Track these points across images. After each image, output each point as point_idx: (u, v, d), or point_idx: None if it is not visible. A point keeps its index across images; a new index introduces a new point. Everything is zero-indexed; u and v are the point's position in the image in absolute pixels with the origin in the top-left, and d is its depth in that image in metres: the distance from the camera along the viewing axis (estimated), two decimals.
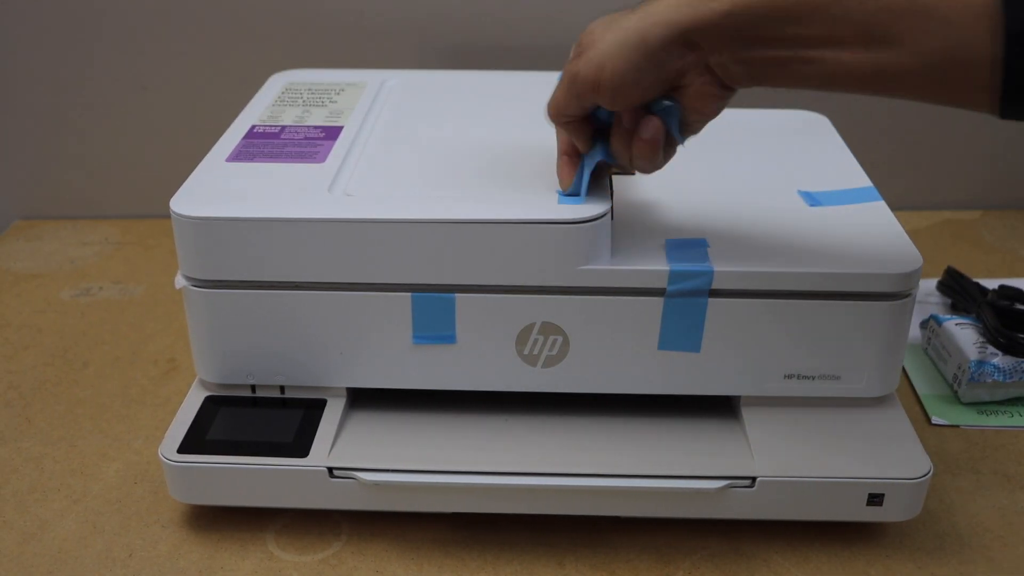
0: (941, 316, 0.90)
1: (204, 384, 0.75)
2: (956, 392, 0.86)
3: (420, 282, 0.68)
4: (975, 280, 0.95)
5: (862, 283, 0.68)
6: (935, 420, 0.84)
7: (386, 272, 0.68)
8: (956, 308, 0.95)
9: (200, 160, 0.75)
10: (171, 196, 0.69)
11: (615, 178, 0.73)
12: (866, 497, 0.69)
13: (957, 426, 0.84)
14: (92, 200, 1.20)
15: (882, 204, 0.76)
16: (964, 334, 0.87)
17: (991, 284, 0.94)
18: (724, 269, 0.67)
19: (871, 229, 0.73)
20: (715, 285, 0.68)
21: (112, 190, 1.19)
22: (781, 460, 0.70)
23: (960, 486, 0.77)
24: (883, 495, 0.69)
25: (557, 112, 0.65)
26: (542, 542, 0.72)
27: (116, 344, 0.95)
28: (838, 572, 0.70)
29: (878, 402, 0.74)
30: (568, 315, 0.69)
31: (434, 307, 0.69)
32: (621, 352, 0.70)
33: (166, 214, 0.68)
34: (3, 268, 1.10)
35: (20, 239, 1.16)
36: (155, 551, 0.72)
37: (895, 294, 0.68)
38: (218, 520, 0.74)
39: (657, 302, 0.68)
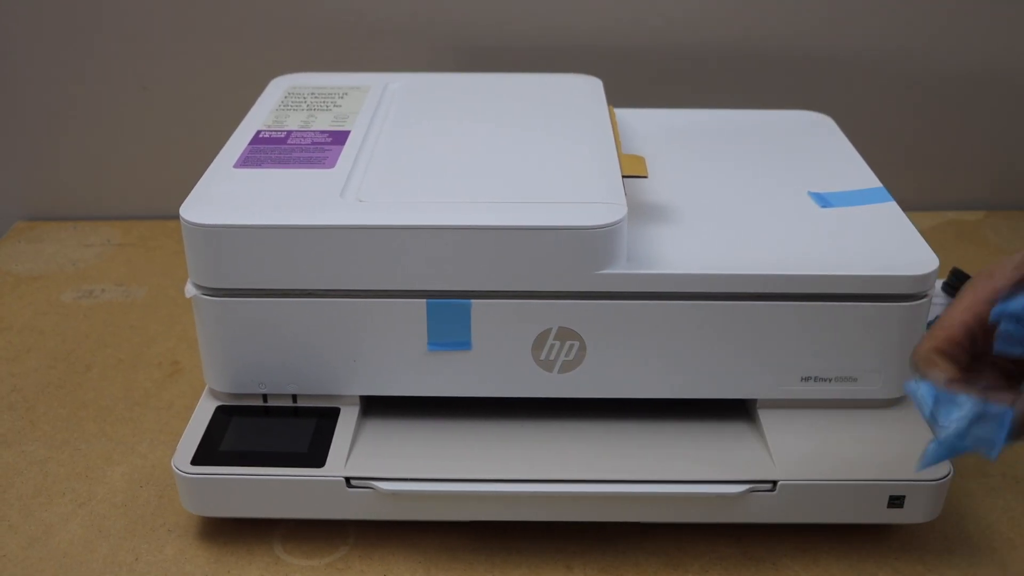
0: None
1: (214, 394, 0.75)
2: None
3: (435, 288, 0.68)
4: None
5: (879, 285, 0.68)
6: None
7: (401, 279, 0.67)
8: None
9: (200, 161, 0.75)
10: (172, 196, 0.69)
11: (627, 182, 0.73)
12: (887, 499, 0.69)
13: None
14: (93, 201, 1.19)
15: (893, 204, 0.77)
16: None
17: None
18: (739, 272, 0.67)
19: (885, 230, 0.73)
20: (732, 288, 0.68)
21: (113, 191, 1.18)
22: (801, 463, 0.70)
23: (969, 489, 0.77)
24: (904, 496, 0.69)
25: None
26: (550, 546, 0.72)
27: (119, 347, 0.95)
28: (847, 575, 0.70)
29: (894, 403, 0.74)
30: (585, 320, 0.68)
31: (450, 314, 0.68)
32: (638, 356, 0.70)
33: (167, 215, 0.68)
34: (5, 270, 1.09)
35: (21, 241, 1.15)
36: (161, 555, 0.71)
37: (912, 295, 0.68)
38: (225, 524, 0.73)
39: (673, 305, 0.68)
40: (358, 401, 0.73)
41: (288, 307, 0.69)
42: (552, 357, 0.70)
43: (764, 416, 0.73)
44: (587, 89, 0.89)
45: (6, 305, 1.02)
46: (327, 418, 0.73)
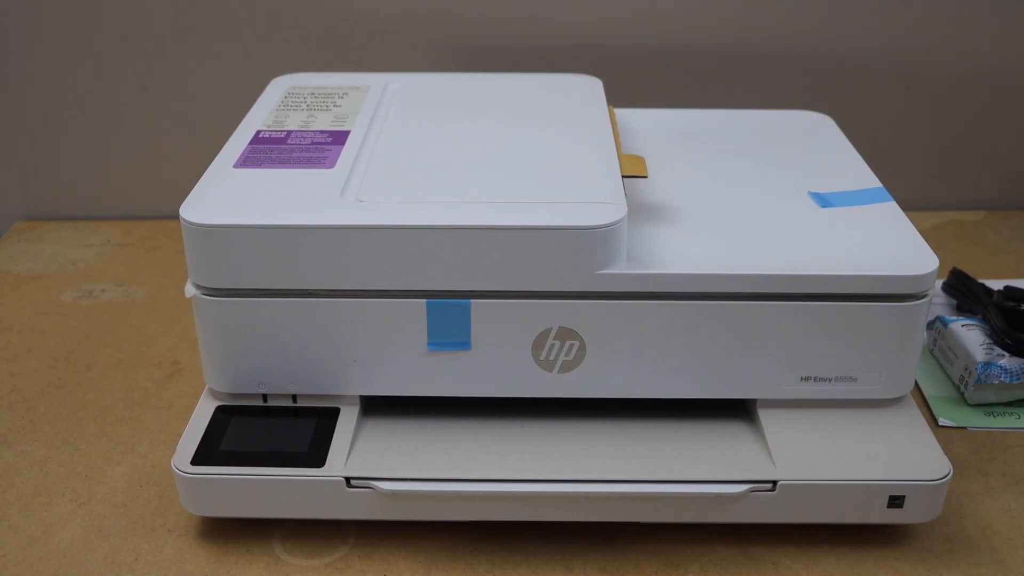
0: (947, 317, 0.90)
1: (214, 393, 0.75)
2: (963, 394, 0.86)
3: (435, 288, 0.68)
4: (980, 281, 0.95)
5: (879, 285, 0.68)
6: (942, 422, 0.84)
7: (401, 279, 0.67)
8: (961, 309, 0.96)
9: (200, 161, 0.74)
10: (172, 196, 0.69)
11: (627, 182, 0.73)
12: (887, 499, 0.69)
13: (964, 428, 0.84)
14: (93, 201, 1.19)
15: (893, 204, 0.76)
16: (970, 335, 0.87)
17: (996, 285, 0.94)
18: (739, 272, 0.67)
19: (885, 230, 0.73)
20: (732, 288, 0.68)
21: (113, 191, 1.18)
22: (801, 463, 0.70)
23: (968, 488, 0.77)
24: (904, 496, 0.69)
25: None
26: (550, 546, 0.72)
27: (119, 347, 0.95)
28: (847, 575, 0.70)
29: (893, 403, 0.74)
30: (585, 320, 0.68)
31: (449, 314, 0.68)
32: (638, 356, 0.70)
33: (167, 215, 0.68)
34: (5, 270, 1.09)
35: (21, 241, 1.15)
36: (161, 555, 0.71)
37: (911, 295, 0.68)
38: (225, 524, 0.73)
39: (673, 305, 0.68)
40: (358, 401, 0.73)
41: (288, 307, 0.69)
42: (552, 357, 0.70)
43: (764, 416, 0.73)
44: (587, 89, 0.89)
45: (6, 305, 1.02)
46: (327, 418, 0.72)
